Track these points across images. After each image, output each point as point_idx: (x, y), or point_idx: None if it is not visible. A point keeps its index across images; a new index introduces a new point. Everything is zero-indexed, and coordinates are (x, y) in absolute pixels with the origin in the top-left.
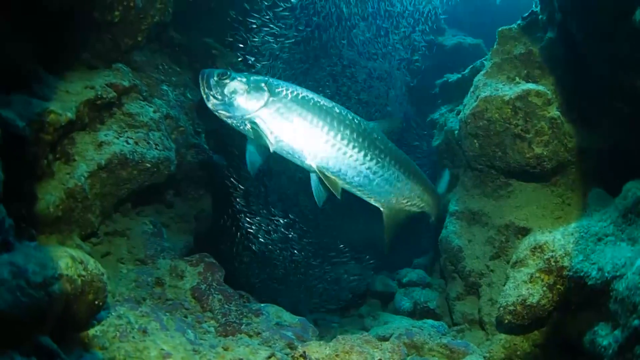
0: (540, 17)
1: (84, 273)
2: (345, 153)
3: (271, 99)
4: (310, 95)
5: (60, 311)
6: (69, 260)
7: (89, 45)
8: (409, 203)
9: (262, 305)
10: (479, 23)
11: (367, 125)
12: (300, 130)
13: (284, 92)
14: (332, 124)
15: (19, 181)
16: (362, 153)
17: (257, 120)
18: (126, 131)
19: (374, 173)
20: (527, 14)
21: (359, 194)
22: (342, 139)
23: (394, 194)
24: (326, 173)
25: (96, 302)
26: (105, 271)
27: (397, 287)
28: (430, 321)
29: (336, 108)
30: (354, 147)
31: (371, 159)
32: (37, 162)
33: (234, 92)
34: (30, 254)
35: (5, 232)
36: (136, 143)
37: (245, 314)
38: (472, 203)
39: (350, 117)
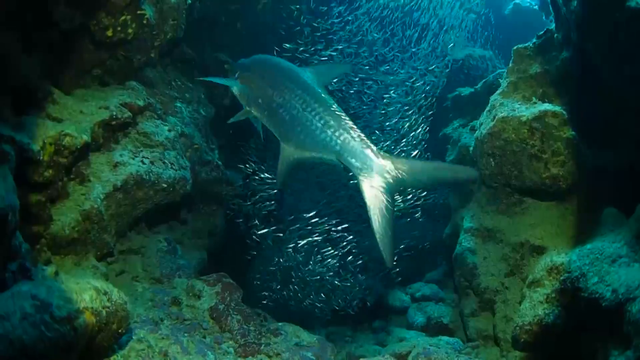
0: (555, 35)
1: (108, 304)
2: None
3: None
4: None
5: (85, 343)
6: (93, 293)
7: (102, 61)
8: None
9: (280, 324)
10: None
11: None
12: None
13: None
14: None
15: (34, 203)
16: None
17: None
18: (141, 151)
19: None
20: (542, 32)
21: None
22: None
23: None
24: None
25: (120, 331)
26: (127, 299)
27: (410, 302)
28: (445, 338)
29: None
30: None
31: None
32: (53, 184)
33: None
34: (53, 286)
35: (22, 257)
36: (152, 163)
37: (264, 333)
38: (486, 220)
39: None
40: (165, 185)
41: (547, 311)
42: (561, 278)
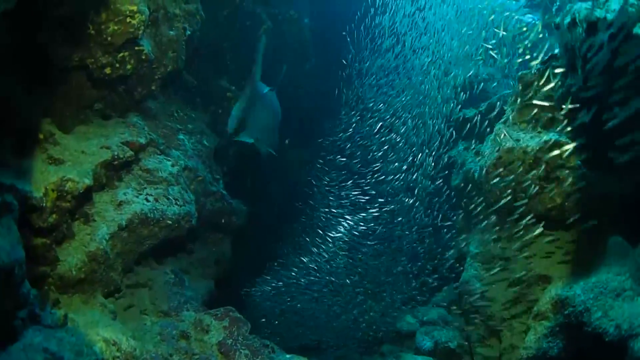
0: (560, 61)
1: (118, 354)
2: None
3: None
4: None
5: None
6: (103, 345)
7: (103, 96)
8: None
9: (288, 356)
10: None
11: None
12: None
13: None
14: None
15: (40, 245)
16: None
17: None
18: (145, 188)
19: None
20: (546, 58)
21: None
22: None
23: None
24: None
25: None
26: (136, 344)
27: (418, 325)
28: None
29: None
30: None
31: None
32: (58, 227)
33: None
34: (64, 339)
35: (31, 304)
36: (156, 200)
37: None
38: (493, 247)
39: None
40: (170, 222)
41: (551, 344)
42: (565, 312)
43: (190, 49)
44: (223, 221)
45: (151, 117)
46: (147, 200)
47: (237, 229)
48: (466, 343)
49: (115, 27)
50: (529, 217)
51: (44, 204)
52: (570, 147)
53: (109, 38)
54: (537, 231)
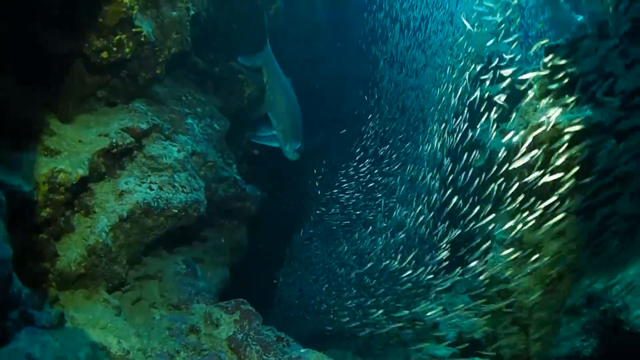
0: (590, 31)
1: None
2: None
3: None
4: None
5: None
6: (89, 350)
7: (105, 82)
8: None
9: (303, 351)
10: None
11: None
12: None
13: None
14: None
15: (38, 241)
16: None
17: None
18: (149, 176)
19: None
20: (574, 29)
21: None
22: None
23: None
24: None
25: None
26: (129, 347)
27: (441, 314)
28: None
29: None
30: None
31: None
32: (54, 221)
33: None
34: (47, 344)
35: (23, 303)
36: (160, 188)
37: None
38: (519, 233)
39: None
40: (176, 211)
41: (585, 343)
42: (601, 308)
43: (197, 30)
44: (237, 207)
45: (157, 102)
46: (151, 189)
47: (253, 215)
48: (491, 334)
49: (106, 8)
50: (558, 199)
51: (35, 198)
52: (602, 122)
53: (102, 19)
54: (565, 214)
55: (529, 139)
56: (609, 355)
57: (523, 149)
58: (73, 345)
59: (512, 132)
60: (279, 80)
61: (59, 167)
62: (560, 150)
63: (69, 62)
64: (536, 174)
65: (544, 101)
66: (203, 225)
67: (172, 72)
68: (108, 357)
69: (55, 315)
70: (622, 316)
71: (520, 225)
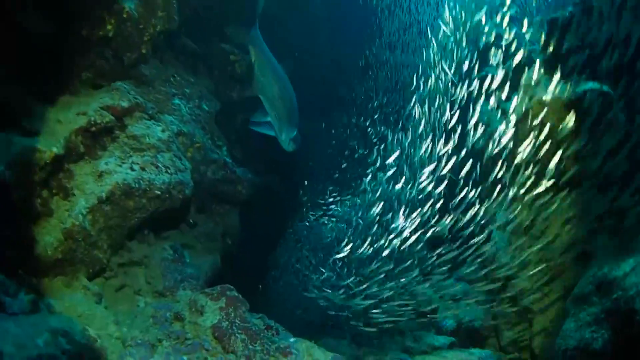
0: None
1: (68, 347)
2: None
3: None
4: None
5: None
6: (48, 336)
7: (90, 64)
8: None
9: (292, 340)
10: None
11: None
12: None
13: None
14: None
15: (13, 226)
16: None
17: None
18: (130, 156)
19: None
20: (578, 0)
21: None
22: None
23: None
24: None
25: None
26: (98, 335)
27: (439, 302)
28: (477, 351)
29: None
30: None
31: None
32: (29, 203)
33: None
34: (7, 331)
35: None
36: (142, 169)
37: (272, 353)
38: (520, 214)
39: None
40: (159, 192)
41: (595, 335)
42: (613, 296)
43: (187, 10)
44: (227, 190)
45: (144, 84)
46: (132, 169)
47: (244, 199)
48: (492, 323)
49: None
50: (562, 177)
51: (6, 178)
52: (610, 95)
53: None
54: (574, 194)
55: (530, 113)
56: (621, 348)
57: (526, 126)
58: (34, 331)
59: (513, 107)
60: (269, 62)
61: (33, 145)
62: (565, 124)
63: (48, 41)
64: (540, 150)
65: (545, 76)
66: (192, 210)
67: (161, 54)
68: (72, 344)
69: (28, 302)
70: (636, 305)
71: (522, 207)
